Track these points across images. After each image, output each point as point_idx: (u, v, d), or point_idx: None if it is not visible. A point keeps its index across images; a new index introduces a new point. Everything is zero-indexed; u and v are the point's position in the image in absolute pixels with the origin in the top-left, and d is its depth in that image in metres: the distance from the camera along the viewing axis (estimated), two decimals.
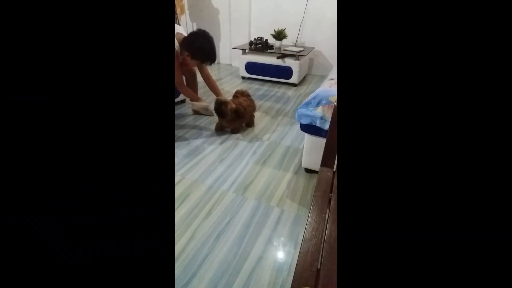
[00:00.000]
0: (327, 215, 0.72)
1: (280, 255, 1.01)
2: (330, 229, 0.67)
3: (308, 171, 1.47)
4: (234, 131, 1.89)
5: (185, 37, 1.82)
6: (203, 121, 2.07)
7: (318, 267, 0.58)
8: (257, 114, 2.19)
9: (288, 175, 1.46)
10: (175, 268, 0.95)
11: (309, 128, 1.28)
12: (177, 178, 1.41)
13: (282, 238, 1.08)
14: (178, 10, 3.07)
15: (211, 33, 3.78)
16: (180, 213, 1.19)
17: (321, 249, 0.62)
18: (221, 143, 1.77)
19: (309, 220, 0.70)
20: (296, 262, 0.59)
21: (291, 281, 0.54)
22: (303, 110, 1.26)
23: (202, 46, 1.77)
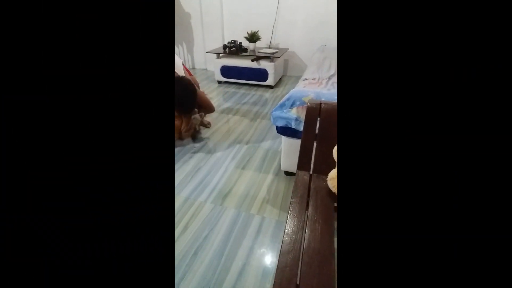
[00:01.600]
0: (305, 223, 0.69)
1: (263, 266, 0.96)
2: (308, 239, 0.63)
3: (288, 173, 1.44)
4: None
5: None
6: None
7: (298, 283, 0.54)
8: (235, 118, 2.14)
9: (268, 179, 1.42)
10: None
11: (285, 130, 1.25)
12: None
13: (263, 249, 1.03)
14: None
15: (184, 38, 3.68)
16: None
17: (300, 262, 0.58)
18: (198, 151, 1.70)
19: (286, 230, 0.66)
20: None
21: None
22: (277, 113, 1.23)
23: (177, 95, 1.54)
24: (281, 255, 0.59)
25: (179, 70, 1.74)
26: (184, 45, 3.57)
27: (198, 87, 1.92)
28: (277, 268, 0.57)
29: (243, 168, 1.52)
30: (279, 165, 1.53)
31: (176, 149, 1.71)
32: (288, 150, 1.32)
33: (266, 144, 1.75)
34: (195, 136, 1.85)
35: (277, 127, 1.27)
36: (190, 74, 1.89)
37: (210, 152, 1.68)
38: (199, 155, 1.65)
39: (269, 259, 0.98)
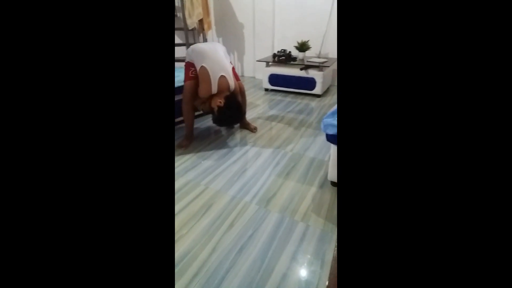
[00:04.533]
0: None
1: (306, 274, 0.95)
2: None
3: (335, 184, 1.41)
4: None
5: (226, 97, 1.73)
6: (226, 132, 2.10)
7: None
8: (279, 125, 2.17)
9: (313, 189, 1.40)
10: (197, 280, 0.93)
11: (336, 139, 1.23)
12: (200, 188, 1.42)
13: (308, 256, 1.02)
14: (205, 26, 3.22)
15: (236, 47, 3.88)
16: (202, 224, 1.18)
17: None
18: (244, 153, 1.76)
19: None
20: (323, 282, 0.54)
21: None
22: (329, 120, 1.22)
23: (227, 116, 1.74)
24: (334, 261, 0.59)
25: (230, 79, 1.76)
26: (236, 53, 3.78)
27: (244, 93, 2.00)
28: (330, 274, 0.56)
29: (287, 174, 1.53)
30: (325, 175, 1.50)
31: (224, 150, 1.80)
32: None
33: (311, 153, 1.74)
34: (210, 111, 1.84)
35: (327, 135, 1.26)
36: (237, 78, 1.94)
37: (255, 156, 1.73)
38: (245, 158, 1.71)
39: (313, 268, 0.97)
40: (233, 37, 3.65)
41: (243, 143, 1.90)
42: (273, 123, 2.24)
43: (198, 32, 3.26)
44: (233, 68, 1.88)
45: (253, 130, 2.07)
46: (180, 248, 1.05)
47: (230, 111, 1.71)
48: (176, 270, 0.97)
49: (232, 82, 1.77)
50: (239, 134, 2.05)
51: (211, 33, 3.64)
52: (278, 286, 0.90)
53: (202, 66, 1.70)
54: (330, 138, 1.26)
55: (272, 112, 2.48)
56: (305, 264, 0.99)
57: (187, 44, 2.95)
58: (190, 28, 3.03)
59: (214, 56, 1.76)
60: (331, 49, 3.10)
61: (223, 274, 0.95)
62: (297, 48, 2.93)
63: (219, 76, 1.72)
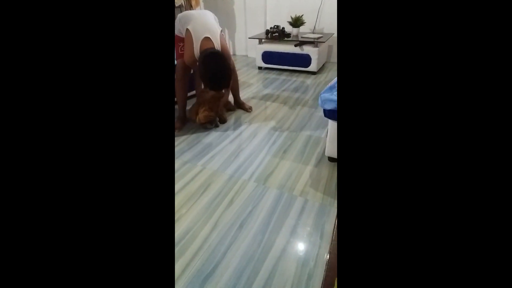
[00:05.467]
0: None
1: (306, 245, 0.97)
2: None
3: (332, 159, 1.41)
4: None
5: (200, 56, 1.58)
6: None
7: None
8: (274, 104, 2.14)
9: (311, 164, 1.40)
10: (199, 256, 0.94)
11: (334, 114, 1.22)
12: (197, 169, 1.41)
13: (307, 228, 1.04)
14: (193, 3, 3.05)
15: (226, 25, 3.73)
16: (202, 203, 1.18)
17: None
18: (240, 133, 1.74)
19: None
20: (323, 252, 0.55)
21: (318, 272, 0.50)
22: (327, 95, 1.20)
23: (211, 73, 1.57)
24: (335, 230, 0.59)
25: (216, 41, 1.61)
26: (226, 31, 3.63)
27: (235, 71, 1.88)
28: (333, 240, 0.57)
29: (284, 152, 1.52)
30: (322, 152, 1.50)
31: (219, 131, 1.77)
32: (335, 135, 1.29)
33: (307, 131, 1.73)
34: (212, 122, 1.78)
35: (324, 110, 1.24)
36: (226, 48, 1.75)
37: (251, 136, 1.71)
38: (241, 138, 1.69)
39: (312, 239, 0.99)
40: (223, 14, 3.49)
41: (238, 123, 1.88)
42: (268, 102, 2.20)
43: (186, 9, 3.09)
44: (223, 39, 1.72)
45: (248, 109, 2.04)
46: (180, 227, 1.06)
47: (209, 67, 1.54)
48: (177, 248, 0.98)
49: (218, 46, 1.61)
50: (234, 114, 2.01)
51: (199, 10, 3.46)
52: (279, 258, 0.93)
53: (186, 29, 1.58)
54: (327, 113, 1.25)
55: (267, 91, 2.44)
56: (305, 236, 1.01)
57: None
58: (177, 5, 2.87)
59: (200, 19, 1.61)
60: (327, 24, 3.00)
61: (224, 249, 0.96)
62: (290, 23, 2.83)
63: (202, 37, 1.57)
